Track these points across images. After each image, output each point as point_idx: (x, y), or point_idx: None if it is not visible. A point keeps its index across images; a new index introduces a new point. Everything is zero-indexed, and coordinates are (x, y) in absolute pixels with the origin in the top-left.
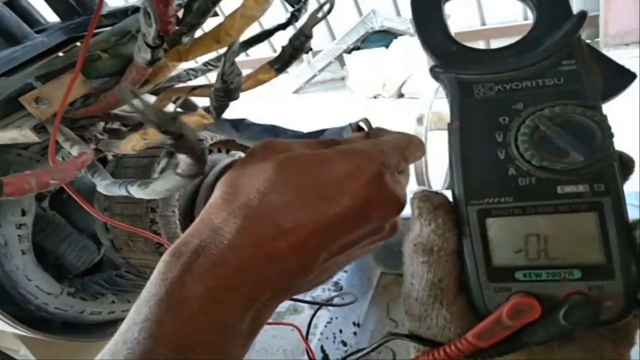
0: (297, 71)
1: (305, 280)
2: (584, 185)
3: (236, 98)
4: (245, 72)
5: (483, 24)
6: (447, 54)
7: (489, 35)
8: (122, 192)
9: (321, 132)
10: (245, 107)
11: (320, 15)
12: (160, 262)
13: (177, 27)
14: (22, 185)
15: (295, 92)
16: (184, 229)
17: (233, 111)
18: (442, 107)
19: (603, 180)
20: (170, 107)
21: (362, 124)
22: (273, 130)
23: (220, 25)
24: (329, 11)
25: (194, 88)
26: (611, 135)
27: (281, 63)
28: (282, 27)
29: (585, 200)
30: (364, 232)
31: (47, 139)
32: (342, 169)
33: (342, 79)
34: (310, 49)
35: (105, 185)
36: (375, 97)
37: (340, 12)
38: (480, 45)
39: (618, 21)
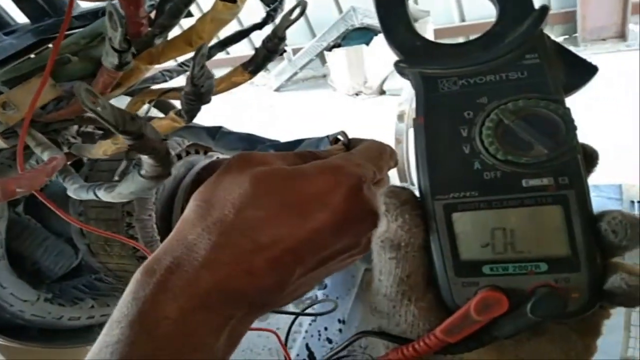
0: (278, 69)
1: (281, 296)
2: (549, 178)
3: (208, 101)
4: (225, 70)
5: (462, 20)
6: (411, 49)
7: (469, 32)
8: (91, 195)
9: (299, 142)
10: (227, 104)
11: (292, 17)
12: (132, 280)
13: (149, 29)
14: None
15: (277, 89)
16: (161, 232)
17: (216, 108)
18: None
19: (567, 173)
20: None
21: (340, 137)
22: (250, 140)
23: (192, 28)
24: (301, 13)
25: (167, 91)
26: (574, 128)
27: (255, 65)
28: (259, 26)
29: (550, 194)
30: (341, 247)
31: (17, 144)
32: (319, 184)
33: (324, 76)
34: (284, 51)
35: (74, 190)
36: (357, 94)
37: (320, 9)
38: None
39: (595, 17)
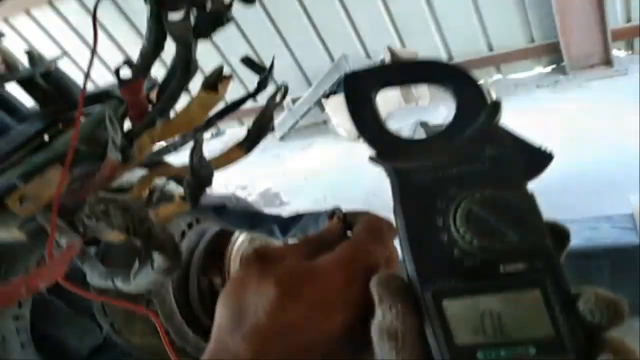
0: (281, 119)
1: None
2: (523, 263)
3: (209, 185)
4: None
5: (450, 57)
6: (382, 144)
7: (498, 61)
8: (109, 284)
9: (299, 217)
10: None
11: (277, 100)
12: None
13: (150, 110)
14: (12, 296)
15: (281, 139)
16: (179, 304)
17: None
18: None
19: (540, 258)
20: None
21: (337, 212)
22: (253, 216)
23: (185, 111)
24: (284, 96)
25: (168, 177)
26: (539, 214)
27: (249, 142)
28: (252, 95)
29: (526, 278)
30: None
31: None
32: (339, 279)
33: (325, 122)
34: (274, 128)
35: (94, 278)
36: (358, 138)
37: (312, 59)
38: (491, 70)
39: (578, 45)
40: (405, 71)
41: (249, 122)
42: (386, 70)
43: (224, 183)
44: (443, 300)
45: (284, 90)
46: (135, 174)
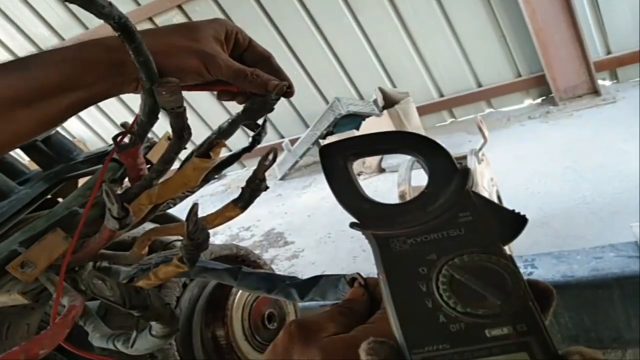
0: (280, 159)
1: None
2: (508, 327)
3: (205, 248)
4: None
5: (441, 95)
6: (361, 212)
7: (449, 105)
8: (111, 346)
9: (317, 278)
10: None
11: (267, 163)
12: None
13: (147, 173)
14: None
15: (282, 178)
16: (182, 357)
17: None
18: (420, 179)
19: (523, 321)
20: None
21: (356, 277)
22: (270, 279)
23: (181, 171)
24: (274, 159)
25: (167, 244)
26: (519, 278)
27: (244, 201)
28: (247, 150)
29: (512, 342)
30: None
31: (35, 289)
32: None
33: None
34: (267, 187)
35: (96, 339)
36: (358, 175)
37: (308, 103)
38: (443, 115)
39: (564, 77)
40: (375, 142)
41: (249, 163)
42: (357, 141)
43: (227, 224)
44: None
45: (273, 153)
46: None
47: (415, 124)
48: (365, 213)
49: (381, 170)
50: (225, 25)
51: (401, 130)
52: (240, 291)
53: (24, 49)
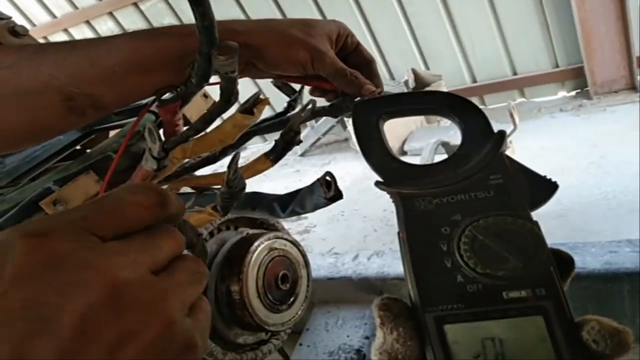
0: (302, 136)
1: None
2: (526, 290)
3: (240, 198)
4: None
5: (474, 81)
6: (388, 171)
7: (481, 92)
8: None
9: (297, 192)
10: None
11: (304, 114)
12: None
13: (184, 129)
14: None
15: (302, 155)
16: None
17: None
18: None
19: (543, 285)
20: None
21: (328, 178)
22: (255, 197)
23: (219, 128)
24: (313, 111)
25: (196, 184)
26: (543, 242)
27: (275, 154)
28: (281, 115)
29: (529, 305)
30: None
31: None
32: None
33: (346, 140)
34: (301, 141)
35: None
36: None
37: None
38: (514, 94)
39: (603, 71)
40: (412, 101)
41: (271, 138)
42: (393, 100)
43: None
44: (445, 325)
45: (312, 105)
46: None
47: None
48: (393, 172)
49: (403, 152)
50: (340, 26)
51: (439, 90)
52: (258, 251)
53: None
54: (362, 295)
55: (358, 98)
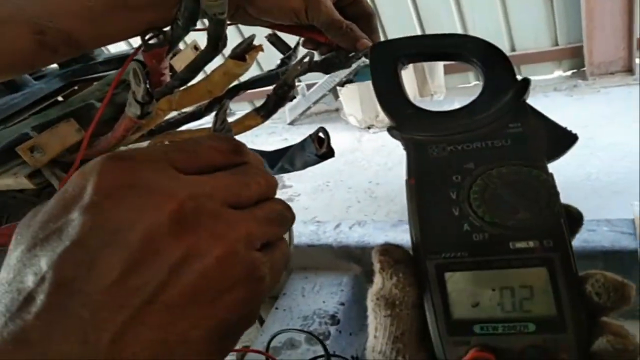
0: (292, 103)
1: None
2: (534, 241)
3: None
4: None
5: (513, 49)
6: (403, 116)
7: (518, 62)
8: None
9: (287, 149)
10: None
11: (299, 67)
12: None
13: (169, 80)
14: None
15: (291, 123)
16: None
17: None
18: None
19: (551, 237)
20: None
21: (321, 134)
22: None
23: (207, 79)
24: (309, 65)
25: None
26: (556, 194)
27: (266, 110)
28: (276, 71)
29: (535, 256)
30: None
31: (41, 183)
32: None
33: (337, 110)
34: (294, 97)
35: None
36: (369, 128)
37: None
38: (469, 77)
39: (602, 51)
40: (433, 44)
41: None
42: (414, 41)
43: None
44: (446, 272)
45: (310, 58)
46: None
47: (439, 82)
48: (407, 117)
49: None
50: None
51: (463, 34)
52: None
53: None
54: (341, 263)
55: (352, 53)
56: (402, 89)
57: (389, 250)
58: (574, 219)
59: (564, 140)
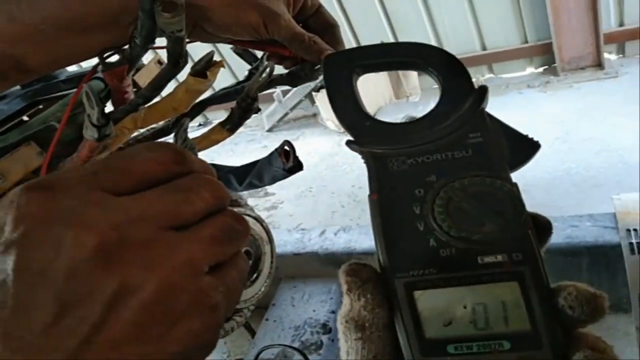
0: (270, 110)
1: None
2: (502, 255)
3: None
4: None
5: (484, 48)
6: (361, 129)
7: (491, 60)
8: None
9: (254, 164)
10: (221, 146)
11: (261, 78)
12: None
13: (133, 97)
14: None
15: (269, 130)
16: None
17: (211, 150)
18: None
19: (520, 250)
20: None
21: (287, 147)
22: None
23: (171, 95)
24: (269, 76)
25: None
26: (522, 205)
27: (232, 124)
28: (242, 83)
29: (505, 270)
30: None
31: None
32: None
33: (314, 115)
34: (259, 109)
35: None
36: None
37: None
38: (483, 69)
39: (571, 47)
40: (389, 53)
41: None
42: (368, 51)
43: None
44: (415, 291)
45: (270, 69)
46: None
47: (413, 83)
48: (365, 130)
49: None
50: None
51: (419, 42)
52: None
53: None
54: (329, 270)
55: (318, 66)
56: (358, 101)
57: (355, 270)
58: (542, 228)
59: (526, 148)
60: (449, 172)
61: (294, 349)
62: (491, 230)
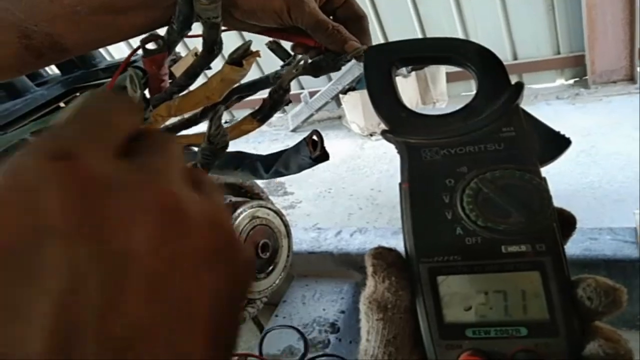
0: (295, 111)
1: None
2: (526, 245)
3: (223, 154)
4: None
5: (515, 58)
6: (397, 119)
7: (521, 70)
8: None
9: (282, 152)
10: (246, 144)
11: (295, 71)
12: None
13: (169, 85)
14: None
15: (294, 130)
16: None
17: (235, 148)
18: None
19: (543, 241)
20: None
21: (315, 137)
22: (240, 157)
23: (205, 85)
24: (304, 67)
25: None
26: (549, 198)
27: (263, 114)
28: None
29: (527, 260)
30: None
31: None
32: None
33: (339, 117)
34: (290, 101)
35: None
36: (371, 135)
37: None
38: (472, 84)
39: (604, 60)
40: (427, 48)
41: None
42: (408, 45)
43: None
44: (438, 276)
45: (304, 61)
46: None
47: (441, 90)
48: (401, 121)
49: None
50: None
51: (457, 37)
52: (240, 218)
53: None
54: (342, 270)
55: (341, 56)
56: (396, 93)
57: (381, 253)
58: (567, 222)
59: (557, 144)
60: (481, 164)
61: (297, 330)
62: (517, 221)
